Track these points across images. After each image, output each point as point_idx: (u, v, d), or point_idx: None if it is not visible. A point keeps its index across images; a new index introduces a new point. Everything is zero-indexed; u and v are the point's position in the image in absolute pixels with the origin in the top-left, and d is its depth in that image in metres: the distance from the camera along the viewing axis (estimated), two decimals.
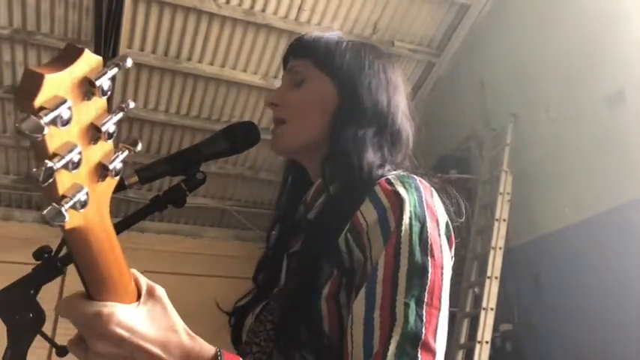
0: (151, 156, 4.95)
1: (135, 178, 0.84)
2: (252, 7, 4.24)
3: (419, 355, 0.65)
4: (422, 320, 0.67)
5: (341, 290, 0.75)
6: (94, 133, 0.45)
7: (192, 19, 4.24)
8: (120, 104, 0.48)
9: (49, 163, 0.40)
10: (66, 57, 0.43)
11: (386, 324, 0.67)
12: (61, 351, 0.72)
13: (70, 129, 0.42)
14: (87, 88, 0.44)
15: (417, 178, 0.81)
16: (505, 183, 3.87)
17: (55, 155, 0.41)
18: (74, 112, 0.42)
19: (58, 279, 0.76)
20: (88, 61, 0.44)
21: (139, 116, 4.73)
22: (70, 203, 0.43)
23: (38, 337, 0.69)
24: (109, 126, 0.46)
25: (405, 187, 0.77)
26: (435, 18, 4.64)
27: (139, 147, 0.52)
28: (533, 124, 3.91)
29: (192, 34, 4.32)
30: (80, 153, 0.43)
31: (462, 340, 3.67)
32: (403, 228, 0.72)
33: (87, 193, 0.45)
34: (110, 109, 0.48)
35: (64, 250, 0.77)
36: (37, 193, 5.03)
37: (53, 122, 0.40)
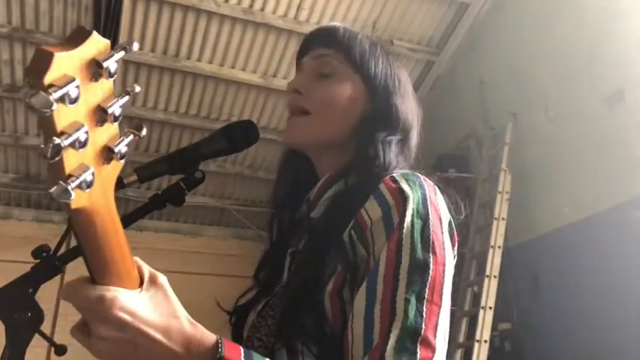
0: (150, 154, 4.95)
1: (134, 177, 0.84)
2: (251, 5, 4.24)
3: (418, 350, 0.65)
4: (422, 316, 0.67)
5: (345, 286, 0.75)
6: (100, 114, 0.46)
7: (191, 18, 4.24)
8: (126, 88, 0.49)
9: (57, 140, 0.40)
10: (75, 38, 0.44)
11: (386, 318, 0.67)
12: (60, 350, 0.72)
13: (77, 109, 0.43)
14: (94, 69, 0.44)
15: (422, 176, 0.81)
16: (504, 182, 3.88)
17: (62, 133, 0.41)
18: (82, 92, 0.42)
19: (57, 278, 0.75)
20: (97, 43, 0.45)
21: (138, 115, 4.73)
22: (77, 182, 0.43)
23: (37, 336, 0.69)
24: (115, 108, 0.47)
25: (409, 185, 0.77)
26: (434, 17, 4.65)
27: (144, 132, 0.52)
28: (532, 123, 3.92)
29: (191, 32, 4.32)
30: (87, 133, 0.43)
31: (461, 339, 3.68)
32: (405, 224, 0.72)
33: (93, 174, 0.45)
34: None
35: (62, 249, 0.77)
36: (36, 191, 5.02)
37: (61, 99, 0.40)
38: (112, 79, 0.46)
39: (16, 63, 4.25)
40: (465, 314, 3.74)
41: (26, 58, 4.22)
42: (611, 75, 3.32)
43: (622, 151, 3.19)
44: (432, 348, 0.66)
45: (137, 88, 0.50)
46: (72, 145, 0.42)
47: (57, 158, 0.41)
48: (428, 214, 0.75)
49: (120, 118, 0.48)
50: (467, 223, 4.00)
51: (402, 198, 0.75)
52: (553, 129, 3.72)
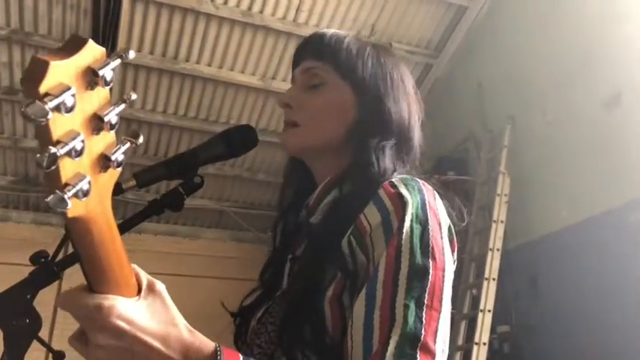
0: (149, 157, 4.95)
1: (132, 182, 0.84)
2: (249, 8, 4.24)
3: (417, 356, 0.64)
4: (421, 322, 0.67)
5: (345, 292, 0.75)
6: (96, 123, 0.46)
7: (189, 20, 4.24)
8: (122, 96, 0.49)
9: (53, 149, 0.40)
10: (71, 46, 0.44)
11: (385, 324, 0.67)
12: (58, 356, 0.72)
13: (73, 117, 0.43)
14: (90, 77, 0.44)
15: (421, 181, 0.81)
16: (502, 184, 3.88)
17: (58, 142, 0.41)
18: (78, 101, 0.42)
19: (55, 284, 0.75)
20: (92, 51, 0.45)
21: (137, 117, 4.73)
22: (73, 191, 0.43)
23: (35, 342, 0.69)
24: (112, 117, 0.47)
25: (408, 190, 0.77)
26: (433, 20, 4.66)
27: (141, 139, 0.52)
28: (530, 126, 3.92)
29: (189, 35, 4.32)
30: (83, 141, 0.43)
31: (460, 341, 3.67)
32: (405, 230, 0.72)
33: (89, 182, 0.45)
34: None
35: (61, 255, 0.77)
36: (35, 194, 5.02)
37: (57, 108, 0.40)
38: (108, 88, 0.46)
39: (15, 65, 4.25)
40: (463, 317, 3.73)
41: (25, 60, 4.22)
42: (608, 78, 3.32)
43: (620, 154, 3.20)
44: (431, 354, 0.66)
45: (133, 96, 0.50)
46: (68, 154, 0.42)
47: (53, 167, 0.41)
48: (427, 219, 0.75)
49: (116, 126, 0.48)
50: (466, 226, 3.98)
51: (401, 203, 0.75)
52: (551, 132, 3.72)
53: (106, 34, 3.96)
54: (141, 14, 4.13)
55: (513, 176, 3.92)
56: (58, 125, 0.41)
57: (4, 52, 4.15)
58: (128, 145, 0.51)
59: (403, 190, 0.76)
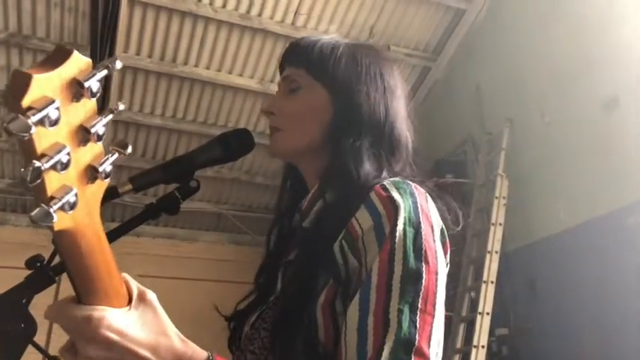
0: (147, 160, 4.95)
1: (128, 186, 0.84)
2: (248, 11, 4.24)
3: None
4: (415, 326, 0.67)
5: (337, 297, 0.75)
6: (83, 134, 0.45)
7: (188, 24, 4.24)
8: (109, 107, 0.48)
9: (37, 163, 0.40)
10: (55, 58, 0.43)
11: (379, 330, 0.66)
12: None
13: (58, 130, 0.42)
14: (76, 89, 0.44)
15: (412, 184, 0.80)
16: (501, 187, 3.88)
17: (43, 155, 0.41)
18: (63, 113, 0.42)
19: (52, 288, 0.75)
20: (77, 62, 0.44)
21: (135, 120, 4.73)
22: (59, 204, 0.43)
23: (31, 348, 0.69)
24: (99, 128, 0.46)
25: (399, 193, 0.76)
26: (431, 23, 4.66)
27: (129, 150, 0.52)
28: (529, 128, 3.92)
29: (188, 38, 4.32)
30: (69, 154, 0.43)
31: (458, 344, 3.67)
32: (397, 234, 0.72)
33: (76, 195, 0.45)
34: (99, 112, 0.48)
35: (57, 259, 0.76)
36: (32, 197, 5.01)
37: (41, 122, 0.40)
38: (94, 99, 0.46)
39: (13, 69, 4.24)
40: (462, 320, 3.73)
41: (23, 64, 4.21)
42: (607, 80, 3.32)
43: (619, 156, 3.19)
44: (426, 358, 0.65)
45: (121, 107, 0.50)
46: (53, 167, 0.42)
47: (38, 181, 0.41)
48: (420, 222, 0.74)
49: (104, 137, 0.48)
50: (464, 229, 3.98)
51: (392, 207, 0.74)
52: (549, 134, 3.72)
53: (105, 38, 3.95)
54: (139, 17, 4.13)
55: (512, 179, 3.92)
56: (43, 139, 0.41)
57: (2, 55, 4.15)
58: (116, 155, 0.50)
59: (395, 194, 0.76)
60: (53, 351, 0.71)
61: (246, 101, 4.82)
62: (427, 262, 0.71)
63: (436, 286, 0.71)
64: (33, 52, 4.16)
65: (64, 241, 0.49)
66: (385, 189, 0.77)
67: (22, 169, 0.40)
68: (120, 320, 0.56)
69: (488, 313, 3.49)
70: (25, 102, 0.39)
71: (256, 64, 4.59)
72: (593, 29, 3.47)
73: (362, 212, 0.76)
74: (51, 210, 0.42)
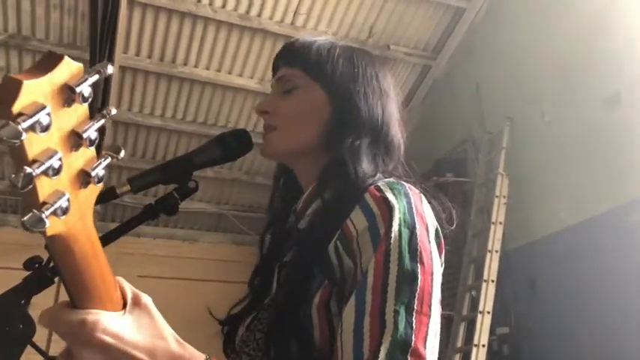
0: (146, 161, 4.95)
1: (126, 188, 0.84)
2: (247, 11, 4.24)
3: None
4: (412, 327, 0.67)
5: (332, 298, 0.75)
6: (75, 139, 0.45)
7: (187, 24, 4.24)
8: (101, 111, 0.48)
9: (28, 169, 0.40)
10: (46, 64, 0.43)
11: (376, 331, 0.67)
12: None
13: (50, 135, 0.42)
14: (67, 94, 0.44)
15: (407, 185, 0.80)
16: (501, 186, 3.88)
17: (34, 161, 0.41)
18: (54, 119, 0.42)
19: (53, 289, 0.75)
20: (69, 67, 0.44)
21: (135, 121, 4.73)
22: (51, 210, 0.43)
23: (30, 349, 0.69)
24: (91, 133, 0.46)
25: (394, 194, 0.76)
26: (431, 22, 4.66)
27: (122, 154, 0.52)
28: (529, 127, 3.92)
29: (187, 38, 4.32)
30: (61, 159, 0.43)
31: (459, 343, 3.66)
32: (392, 235, 0.72)
33: (68, 200, 0.44)
34: (93, 116, 0.48)
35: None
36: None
37: (32, 128, 0.40)
38: (86, 104, 0.45)
39: (12, 71, 4.24)
40: (463, 319, 3.73)
41: (22, 65, 4.22)
42: (607, 78, 3.32)
43: (619, 154, 3.19)
44: (422, 359, 0.66)
45: (113, 111, 0.49)
46: (45, 172, 0.42)
47: (29, 187, 0.41)
48: (414, 223, 0.74)
49: (96, 142, 0.48)
50: (464, 228, 4.00)
51: (387, 208, 0.74)
52: (550, 133, 3.72)
53: (104, 39, 3.96)
54: (139, 18, 4.14)
55: (512, 177, 3.92)
56: (34, 144, 0.41)
57: (2, 57, 4.15)
58: (109, 159, 0.50)
59: (389, 195, 0.76)
60: (55, 352, 0.71)
61: (246, 101, 4.82)
62: (422, 263, 0.72)
63: (432, 286, 0.72)
64: (32, 53, 4.16)
65: (57, 246, 0.49)
66: (379, 190, 0.77)
67: (13, 175, 0.40)
68: (115, 323, 0.56)
69: (488, 312, 3.49)
70: (16, 108, 0.39)
71: (256, 64, 4.59)
72: (594, 27, 3.46)
73: (356, 213, 0.76)
74: (43, 215, 0.42)
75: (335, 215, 0.79)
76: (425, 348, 0.67)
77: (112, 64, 0.47)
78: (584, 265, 3.29)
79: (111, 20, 3.92)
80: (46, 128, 0.41)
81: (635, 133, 3.11)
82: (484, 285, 3.56)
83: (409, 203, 0.76)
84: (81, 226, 0.49)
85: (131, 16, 4.09)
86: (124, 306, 0.59)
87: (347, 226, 0.76)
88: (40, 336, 0.69)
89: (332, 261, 0.76)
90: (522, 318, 3.74)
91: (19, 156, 0.40)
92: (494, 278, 3.59)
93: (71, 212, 0.46)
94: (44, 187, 0.43)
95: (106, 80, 4.14)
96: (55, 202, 0.43)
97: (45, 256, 0.75)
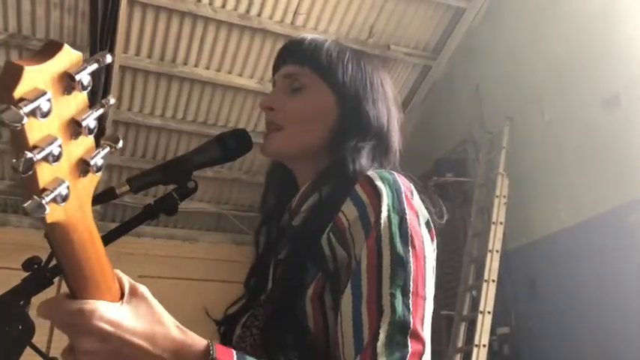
0: (147, 160, 4.95)
1: (126, 188, 0.84)
2: (247, 11, 4.25)
3: (409, 343, 0.65)
4: (409, 309, 0.68)
5: (325, 290, 0.76)
6: (74, 127, 0.45)
7: (187, 24, 4.24)
8: (101, 100, 0.48)
9: (29, 154, 0.40)
10: (46, 52, 0.44)
11: (374, 316, 0.67)
12: None
13: (50, 122, 0.42)
14: (67, 82, 0.44)
15: (396, 174, 0.81)
16: (501, 186, 3.88)
17: (35, 147, 0.41)
18: (54, 105, 0.42)
19: (54, 289, 0.75)
20: (69, 56, 0.44)
21: (135, 121, 4.74)
22: (51, 196, 0.43)
23: (28, 350, 0.69)
24: (90, 121, 0.46)
25: (382, 182, 0.77)
26: (431, 22, 4.66)
27: (120, 144, 0.52)
28: (529, 127, 3.92)
29: (188, 38, 4.32)
30: (60, 146, 0.43)
31: (460, 343, 3.66)
32: (382, 221, 0.73)
33: (68, 187, 0.45)
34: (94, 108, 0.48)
35: (54, 261, 0.76)
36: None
37: (33, 113, 0.40)
38: (85, 92, 0.46)
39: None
40: (463, 319, 3.73)
41: None
42: (607, 78, 3.32)
43: (619, 154, 3.19)
44: (421, 341, 0.67)
45: (112, 100, 0.49)
46: (45, 158, 0.42)
47: (30, 172, 0.41)
48: (404, 208, 0.75)
49: (95, 131, 0.48)
50: (465, 228, 4.00)
51: (376, 195, 0.75)
52: (550, 133, 3.72)
53: (104, 38, 3.96)
54: (139, 18, 4.14)
55: (512, 177, 3.92)
56: (35, 130, 0.41)
57: (2, 56, 4.15)
58: (108, 149, 0.50)
59: (378, 182, 0.77)
60: (56, 353, 0.71)
61: (246, 101, 4.82)
62: (414, 247, 0.73)
63: (424, 269, 0.73)
64: (33, 52, 4.15)
65: (56, 234, 0.49)
66: (368, 179, 0.78)
67: (14, 160, 0.40)
68: (113, 312, 0.56)
69: (489, 312, 3.49)
70: (17, 93, 0.39)
71: (256, 64, 4.59)
72: (593, 27, 3.47)
73: (347, 204, 0.77)
74: (43, 201, 0.42)
75: (328, 209, 0.80)
76: (423, 329, 0.68)
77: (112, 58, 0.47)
78: (584, 265, 3.29)
79: (111, 20, 3.92)
80: (46, 114, 0.41)
81: (635, 133, 3.11)
82: (484, 285, 3.56)
83: (398, 190, 0.77)
84: (80, 215, 0.49)
85: (131, 15, 4.10)
86: (122, 297, 0.59)
87: (339, 217, 0.77)
88: (40, 337, 0.69)
89: (325, 253, 0.77)
90: (522, 318, 3.74)
91: (19, 141, 0.41)
92: (495, 278, 3.59)
93: (70, 200, 0.46)
94: (44, 174, 0.43)
95: (106, 80, 4.15)
96: (55, 189, 0.43)
97: (44, 256, 0.75)
